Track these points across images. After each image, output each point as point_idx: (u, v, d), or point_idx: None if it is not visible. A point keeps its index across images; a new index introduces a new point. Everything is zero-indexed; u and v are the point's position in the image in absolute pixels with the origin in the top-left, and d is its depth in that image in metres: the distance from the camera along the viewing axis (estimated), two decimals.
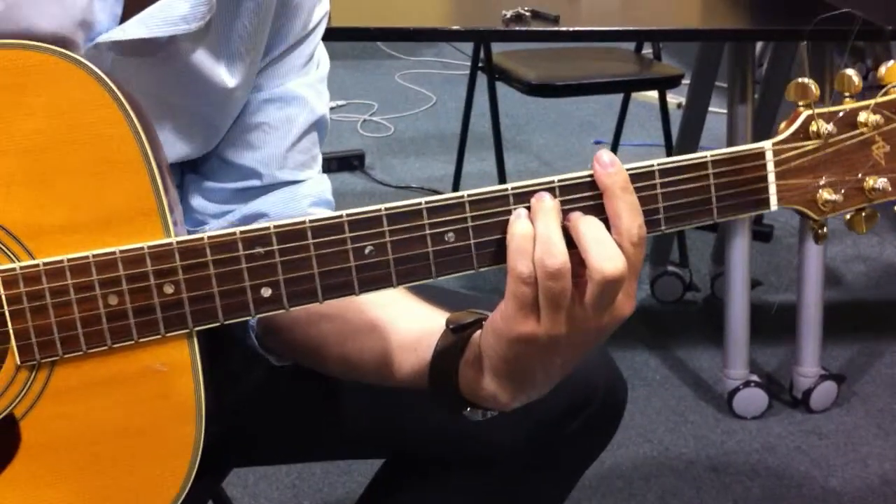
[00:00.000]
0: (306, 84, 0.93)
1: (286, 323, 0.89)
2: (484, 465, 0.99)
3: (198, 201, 0.93)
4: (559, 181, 0.71)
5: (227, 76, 0.87)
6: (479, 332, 0.77)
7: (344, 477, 1.86)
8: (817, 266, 2.06)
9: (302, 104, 0.92)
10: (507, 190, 0.71)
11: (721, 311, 2.10)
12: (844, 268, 2.71)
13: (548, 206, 0.71)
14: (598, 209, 0.71)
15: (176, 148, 0.87)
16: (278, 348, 0.93)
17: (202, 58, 0.85)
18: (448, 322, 0.79)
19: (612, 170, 0.71)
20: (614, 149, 2.86)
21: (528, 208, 0.71)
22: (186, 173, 0.95)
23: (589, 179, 0.71)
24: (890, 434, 2.03)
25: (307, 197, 0.93)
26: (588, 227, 0.70)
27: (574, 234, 0.70)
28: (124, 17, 0.80)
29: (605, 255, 0.69)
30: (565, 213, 0.71)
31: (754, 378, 2.07)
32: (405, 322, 0.85)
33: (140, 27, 0.79)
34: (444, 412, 0.80)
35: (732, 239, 2.04)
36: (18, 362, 0.70)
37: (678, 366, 2.25)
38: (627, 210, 0.70)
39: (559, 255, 0.69)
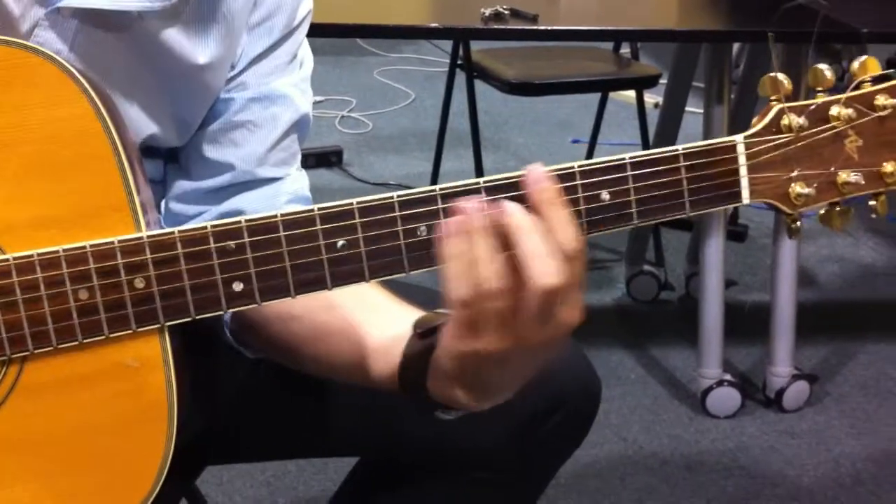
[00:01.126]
0: (291, 83, 0.93)
1: (257, 320, 0.89)
2: (459, 464, 0.99)
3: (175, 205, 0.93)
4: (484, 183, 0.71)
5: (199, 58, 0.87)
6: None
7: (319, 475, 1.85)
8: (791, 266, 2.07)
9: (286, 103, 0.93)
10: (479, 183, 0.71)
11: (696, 310, 2.11)
12: (818, 268, 2.73)
13: (478, 223, 0.69)
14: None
15: (142, 127, 0.87)
16: (253, 344, 0.92)
17: (171, 41, 0.85)
18: (415, 326, 0.79)
19: (540, 185, 0.70)
20: (591, 147, 2.87)
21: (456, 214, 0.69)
22: (169, 171, 0.95)
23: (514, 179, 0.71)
24: (862, 434, 2.05)
25: (284, 194, 0.93)
26: (527, 241, 0.68)
27: (513, 246, 0.69)
28: None
29: (543, 270, 0.68)
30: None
31: (728, 377, 2.08)
32: (376, 324, 0.84)
33: None
34: (418, 413, 0.80)
35: (707, 239, 2.05)
36: None
37: (653, 365, 2.26)
38: (561, 224, 0.69)
39: (493, 278, 0.68)
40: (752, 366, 2.24)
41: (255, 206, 0.91)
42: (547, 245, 0.68)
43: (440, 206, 0.71)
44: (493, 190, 0.71)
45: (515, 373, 0.74)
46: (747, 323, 2.30)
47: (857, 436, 2.04)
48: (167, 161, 0.94)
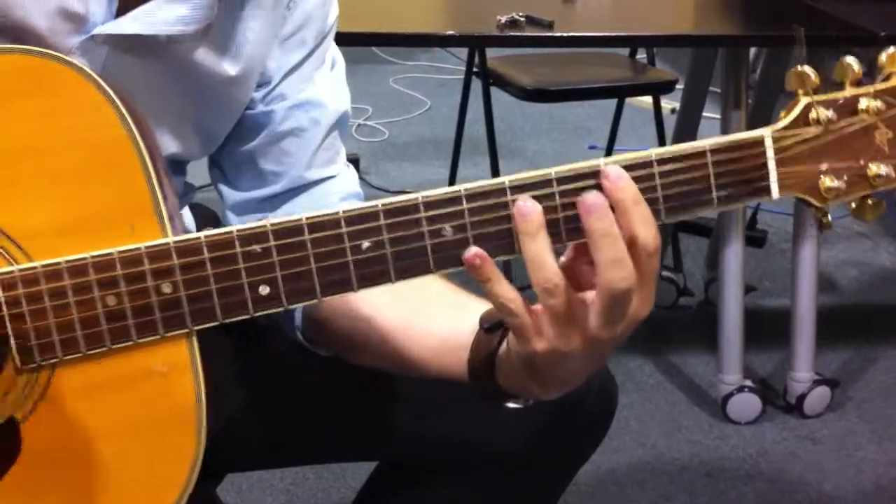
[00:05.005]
0: (326, 85, 0.95)
1: (325, 319, 0.90)
2: (477, 467, 0.99)
3: (233, 217, 0.95)
4: (556, 174, 0.72)
5: (227, 73, 0.88)
6: None
7: (338, 482, 1.85)
8: (811, 271, 2.06)
9: (325, 105, 0.95)
10: (503, 184, 0.71)
11: (715, 316, 2.10)
12: (838, 273, 2.72)
13: (533, 225, 0.69)
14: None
15: (168, 145, 0.88)
16: (321, 341, 0.93)
17: (201, 60, 0.86)
18: (481, 321, 0.79)
19: (621, 184, 0.69)
20: (608, 154, 2.87)
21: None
22: (217, 184, 0.96)
23: (588, 171, 0.71)
24: (883, 439, 2.04)
25: (335, 194, 0.95)
26: (604, 245, 0.68)
27: (590, 247, 0.69)
28: (119, 12, 0.80)
29: (619, 275, 0.68)
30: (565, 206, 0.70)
31: (748, 383, 2.07)
32: (442, 317, 0.85)
33: (136, 23, 0.80)
34: (488, 405, 0.80)
35: (726, 244, 2.05)
36: (19, 365, 0.70)
37: (672, 371, 2.26)
38: (641, 223, 0.69)
39: (552, 277, 0.68)
40: (772, 371, 2.23)
41: (308, 208, 0.92)
42: (624, 249, 0.68)
43: (465, 206, 0.70)
44: (516, 189, 0.71)
45: (584, 365, 0.74)
46: (767, 328, 2.29)
47: (878, 441, 2.03)
48: (219, 180, 0.97)
